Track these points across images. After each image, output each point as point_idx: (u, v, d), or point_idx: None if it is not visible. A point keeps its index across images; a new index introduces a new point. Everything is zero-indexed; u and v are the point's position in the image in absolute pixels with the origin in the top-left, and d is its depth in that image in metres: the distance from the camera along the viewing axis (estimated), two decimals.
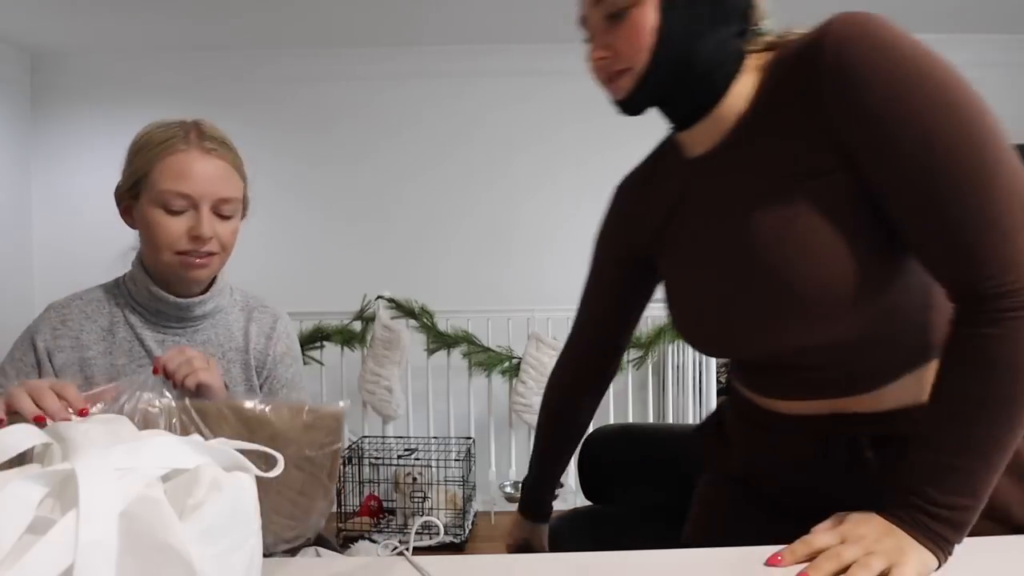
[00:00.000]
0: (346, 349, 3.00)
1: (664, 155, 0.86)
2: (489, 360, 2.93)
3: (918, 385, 0.71)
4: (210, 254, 0.94)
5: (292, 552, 0.99)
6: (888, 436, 0.72)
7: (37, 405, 0.65)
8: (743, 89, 0.72)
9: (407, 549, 0.71)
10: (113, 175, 0.98)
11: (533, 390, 2.81)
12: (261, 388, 1.06)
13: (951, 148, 0.57)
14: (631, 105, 0.74)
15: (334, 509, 2.81)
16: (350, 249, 3.87)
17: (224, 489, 0.52)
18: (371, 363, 2.88)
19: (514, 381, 2.88)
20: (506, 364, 2.93)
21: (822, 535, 0.64)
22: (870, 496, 0.67)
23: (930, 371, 0.67)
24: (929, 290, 0.69)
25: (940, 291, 0.67)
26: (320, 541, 1.05)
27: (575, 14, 0.77)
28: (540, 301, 3.19)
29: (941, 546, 0.61)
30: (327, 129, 3.88)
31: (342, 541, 2.62)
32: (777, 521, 0.75)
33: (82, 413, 0.66)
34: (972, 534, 0.62)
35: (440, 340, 2.97)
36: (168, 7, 3.21)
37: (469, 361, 2.95)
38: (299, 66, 3.82)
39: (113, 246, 1.00)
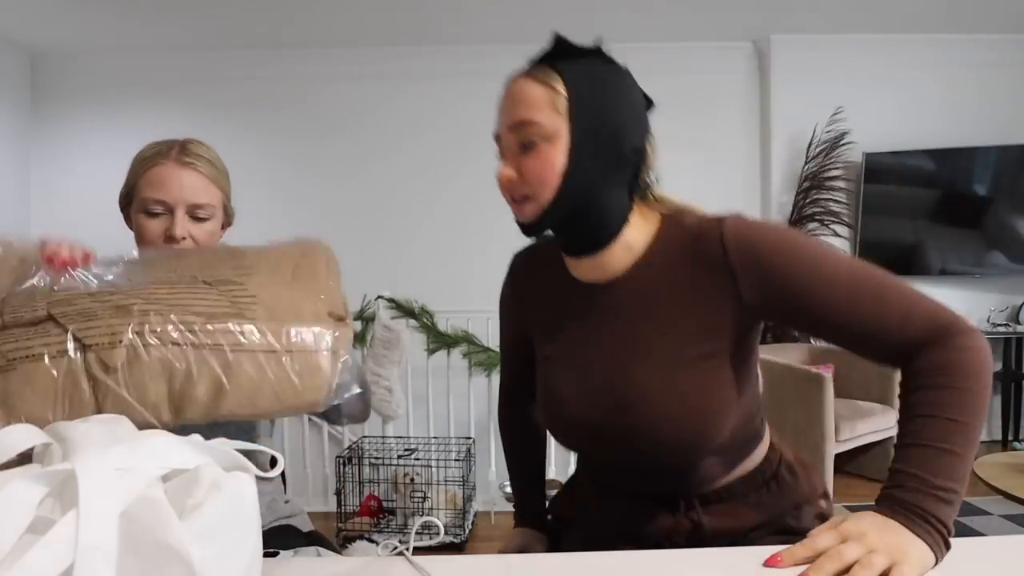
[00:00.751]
0: None
1: (552, 263, 0.90)
2: (489, 360, 2.93)
3: (738, 473, 0.86)
4: None
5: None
6: (716, 501, 0.86)
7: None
8: (632, 241, 0.81)
9: (407, 549, 0.71)
10: (112, 174, 1.06)
11: None
12: None
13: (849, 276, 0.73)
14: (532, 231, 0.80)
15: (334, 509, 2.81)
16: (350, 249, 3.86)
17: (224, 489, 0.52)
18: (371, 363, 2.88)
19: None
20: None
21: (823, 536, 0.65)
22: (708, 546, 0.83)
23: (745, 463, 0.86)
24: (752, 409, 0.85)
25: (752, 407, 0.85)
26: (320, 541, 1.06)
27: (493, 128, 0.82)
28: None
29: (936, 540, 0.63)
30: (328, 130, 3.88)
31: (342, 541, 2.62)
32: None
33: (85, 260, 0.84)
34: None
35: (440, 340, 2.97)
36: (168, 8, 3.21)
37: (469, 361, 2.95)
38: (299, 67, 3.83)
39: (111, 244, 1.03)
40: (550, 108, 0.75)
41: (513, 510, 1.08)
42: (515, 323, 0.99)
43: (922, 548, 0.62)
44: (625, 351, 0.81)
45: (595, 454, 0.89)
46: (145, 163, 1.05)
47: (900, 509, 0.65)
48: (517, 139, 0.76)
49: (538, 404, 0.92)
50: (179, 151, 1.05)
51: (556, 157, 0.75)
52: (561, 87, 0.75)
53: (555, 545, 1.01)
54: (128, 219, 1.09)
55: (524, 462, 1.08)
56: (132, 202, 1.06)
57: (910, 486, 0.65)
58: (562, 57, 0.77)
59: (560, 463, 3.12)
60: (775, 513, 0.86)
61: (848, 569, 0.60)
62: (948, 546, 0.64)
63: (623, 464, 0.86)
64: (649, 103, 0.83)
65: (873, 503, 0.68)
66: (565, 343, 0.87)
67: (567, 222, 0.79)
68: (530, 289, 0.94)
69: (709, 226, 0.77)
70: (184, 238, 1.03)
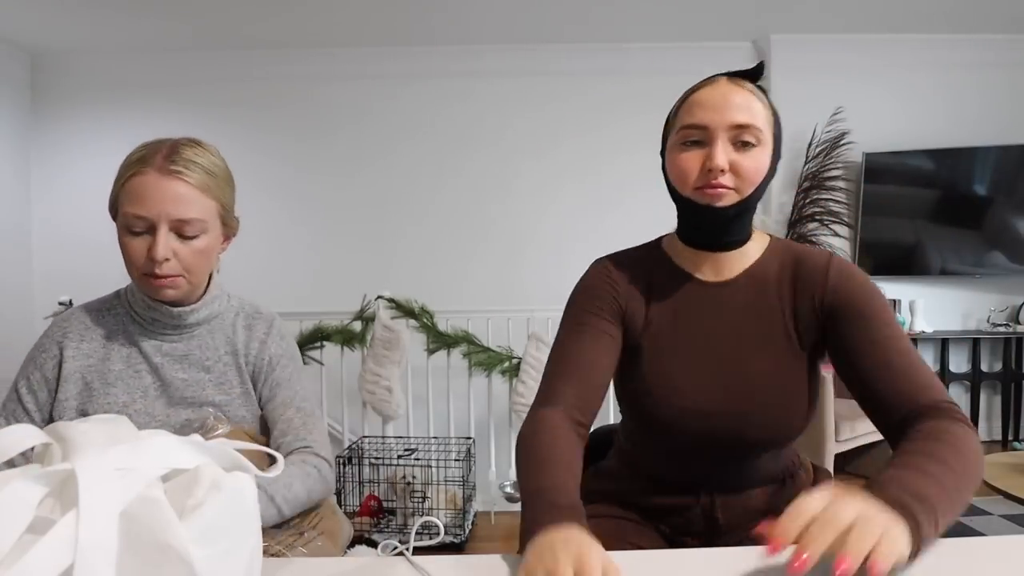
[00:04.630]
0: (346, 349, 3.00)
1: (657, 261, 0.99)
2: (489, 360, 2.93)
3: (764, 459, 0.95)
4: (171, 275, 0.94)
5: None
6: (734, 490, 0.95)
7: None
8: (749, 249, 0.94)
9: (407, 549, 0.71)
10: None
11: (533, 390, 2.81)
12: (257, 389, 1.07)
13: (901, 333, 0.87)
14: (726, 215, 0.89)
15: None
16: (350, 249, 3.87)
17: (224, 489, 0.52)
18: (371, 363, 2.87)
19: (514, 381, 2.88)
20: (506, 364, 2.93)
21: (812, 500, 0.60)
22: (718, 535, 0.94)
23: (776, 452, 0.95)
24: None
25: None
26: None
27: (695, 118, 0.89)
28: (540, 301, 3.20)
29: (915, 534, 0.60)
30: (328, 130, 3.88)
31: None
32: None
33: None
34: None
35: (440, 340, 2.97)
36: (168, 8, 3.21)
37: (469, 361, 2.95)
38: (300, 67, 3.83)
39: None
40: (765, 121, 0.88)
41: (522, 509, 0.81)
42: (609, 304, 0.95)
43: (904, 531, 0.58)
44: (742, 345, 0.91)
45: (689, 441, 0.91)
46: (127, 171, 0.93)
47: (885, 497, 0.62)
48: (734, 135, 0.86)
49: (630, 397, 0.96)
50: (166, 157, 0.92)
51: (765, 161, 0.88)
52: (770, 108, 0.90)
53: None
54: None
55: (561, 458, 0.82)
56: (117, 215, 0.95)
57: (897, 485, 0.65)
58: (753, 81, 0.90)
59: None
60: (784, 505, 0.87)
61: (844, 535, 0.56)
62: (919, 547, 0.60)
63: (717, 448, 0.90)
64: None
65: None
66: (677, 333, 0.94)
67: (737, 217, 0.90)
68: (633, 286, 0.98)
69: (819, 252, 0.94)
70: (167, 259, 0.92)
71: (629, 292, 0.97)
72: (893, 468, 0.69)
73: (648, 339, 0.94)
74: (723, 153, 0.86)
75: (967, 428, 0.77)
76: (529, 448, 0.83)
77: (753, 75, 0.91)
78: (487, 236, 3.88)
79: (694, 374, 0.91)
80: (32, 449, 0.57)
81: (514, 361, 2.91)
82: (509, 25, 3.54)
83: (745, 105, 0.87)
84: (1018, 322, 3.82)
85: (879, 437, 3.10)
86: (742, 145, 0.86)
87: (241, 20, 3.39)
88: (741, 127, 0.86)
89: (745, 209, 0.90)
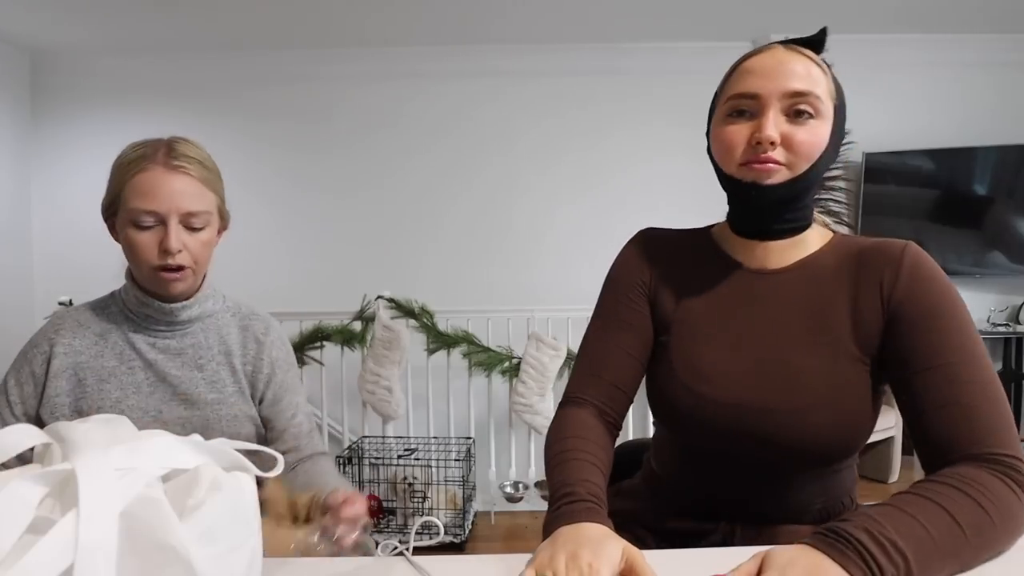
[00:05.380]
0: (346, 349, 3.00)
1: (700, 245, 0.92)
2: (489, 360, 2.93)
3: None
4: (181, 268, 0.98)
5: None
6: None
7: None
8: (808, 240, 0.85)
9: (407, 549, 0.71)
10: None
11: (533, 390, 2.81)
12: (258, 391, 1.09)
13: (982, 357, 0.73)
14: (773, 194, 0.79)
15: None
16: (350, 249, 3.87)
17: (224, 489, 0.52)
18: (371, 363, 2.88)
19: (514, 381, 2.88)
20: (506, 364, 2.93)
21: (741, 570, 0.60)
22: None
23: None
24: None
25: None
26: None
27: (747, 87, 0.80)
28: (540, 301, 3.19)
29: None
30: (327, 129, 3.88)
31: None
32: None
33: None
34: None
35: (440, 340, 2.97)
36: (167, 8, 3.21)
37: (469, 361, 2.95)
38: (299, 66, 3.82)
39: (111, 246, 1.02)
40: (826, 91, 0.79)
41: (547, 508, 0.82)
42: (642, 284, 0.91)
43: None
44: (787, 339, 0.80)
45: (717, 444, 0.81)
46: (130, 169, 0.96)
47: (836, 541, 0.58)
48: (789, 105, 0.78)
49: (657, 391, 0.87)
50: (166, 153, 0.96)
51: (824, 135, 0.79)
52: (832, 78, 0.81)
53: None
54: (112, 229, 1.01)
55: (588, 453, 0.81)
56: (117, 212, 0.98)
57: (858, 522, 0.59)
58: (815, 50, 0.82)
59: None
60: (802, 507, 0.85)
61: None
62: None
63: (748, 455, 0.80)
64: None
65: (873, 503, 0.66)
66: (713, 319, 0.85)
67: (790, 199, 0.81)
68: (666, 263, 0.91)
69: (892, 241, 0.83)
70: (180, 251, 0.96)
71: (660, 269, 0.91)
72: (862, 509, 0.62)
73: (678, 322, 0.87)
74: (774, 123, 0.77)
75: (1013, 490, 0.64)
76: (556, 444, 0.83)
77: (814, 43, 0.82)
78: (487, 235, 3.88)
79: (726, 362, 0.81)
80: (32, 450, 0.57)
81: (514, 361, 2.92)
82: (509, 26, 3.54)
83: (803, 72, 0.77)
84: (1018, 322, 3.82)
85: (879, 436, 3.09)
86: (797, 115, 0.77)
87: (244, 22, 3.39)
88: (797, 95, 0.77)
89: (798, 190, 0.79)
